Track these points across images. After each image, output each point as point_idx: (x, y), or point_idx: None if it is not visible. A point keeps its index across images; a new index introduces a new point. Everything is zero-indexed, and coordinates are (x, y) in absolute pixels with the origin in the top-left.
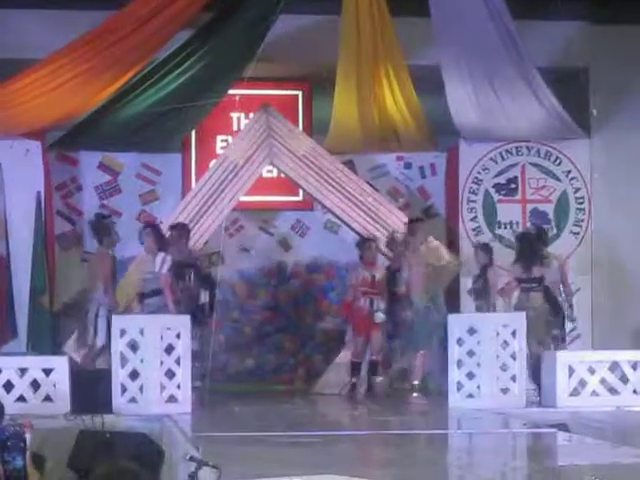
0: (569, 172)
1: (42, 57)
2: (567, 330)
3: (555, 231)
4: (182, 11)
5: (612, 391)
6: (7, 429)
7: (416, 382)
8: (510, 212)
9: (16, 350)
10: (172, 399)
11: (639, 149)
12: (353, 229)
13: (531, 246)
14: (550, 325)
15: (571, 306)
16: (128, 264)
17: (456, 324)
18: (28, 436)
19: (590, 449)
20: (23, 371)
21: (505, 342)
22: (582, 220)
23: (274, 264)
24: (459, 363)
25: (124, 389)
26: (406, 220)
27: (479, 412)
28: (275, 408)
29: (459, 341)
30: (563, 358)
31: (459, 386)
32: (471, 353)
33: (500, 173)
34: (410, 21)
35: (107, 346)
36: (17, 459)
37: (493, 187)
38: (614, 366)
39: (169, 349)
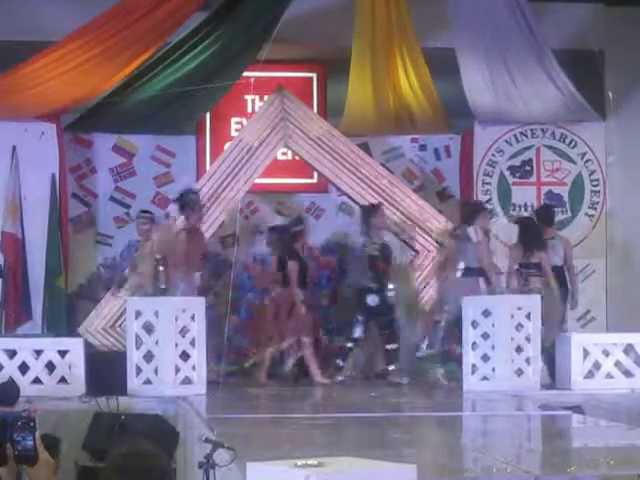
0: (584, 154)
1: (56, 40)
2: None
3: (570, 213)
4: None
5: (627, 373)
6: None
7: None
8: (525, 194)
9: (31, 332)
10: (187, 381)
11: None
12: None
13: (529, 231)
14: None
15: (575, 289)
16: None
17: (470, 306)
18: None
19: (605, 431)
20: (38, 353)
21: (520, 324)
22: (597, 202)
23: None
24: (474, 345)
25: (139, 371)
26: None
27: (494, 394)
28: (289, 390)
29: (474, 323)
30: (578, 340)
31: (474, 368)
32: (486, 335)
33: (515, 155)
34: (425, 3)
35: None
36: (27, 439)
37: (508, 169)
38: (629, 348)
39: (184, 331)
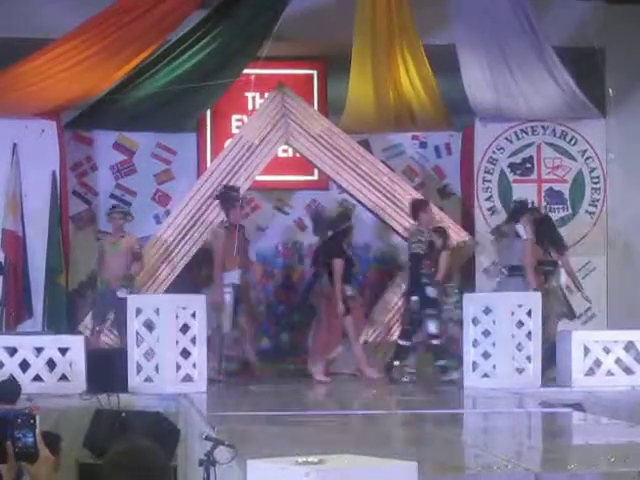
0: (585, 152)
1: (56, 37)
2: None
3: (570, 211)
4: None
5: (627, 371)
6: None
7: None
8: (525, 192)
9: (32, 329)
10: (187, 378)
11: None
12: (368, 209)
13: (547, 230)
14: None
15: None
16: (143, 244)
17: (471, 303)
18: (37, 418)
19: (605, 429)
20: (39, 350)
21: (520, 322)
22: (597, 200)
23: (289, 244)
24: (474, 343)
25: (140, 368)
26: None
27: (494, 392)
28: (290, 387)
29: (474, 320)
30: (578, 338)
31: (474, 366)
32: (486, 333)
33: (515, 153)
34: (426, 0)
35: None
36: (27, 436)
37: (508, 167)
38: (629, 346)
39: (184, 328)
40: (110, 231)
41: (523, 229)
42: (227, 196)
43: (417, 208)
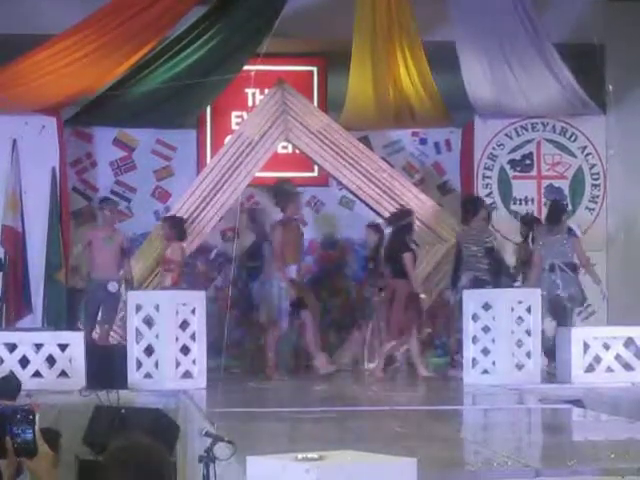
0: (584, 148)
1: (56, 33)
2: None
3: (570, 207)
4: None
5: (627, 367)
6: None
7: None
8: (525, 188)
9: (32, 326)
10: (187, 375)
11: None
12: (368, 205)
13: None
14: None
15: None
16: (142, 240)
17: (471, 300)
18: (37, 414)
19: (605, 425)
20: (39, 347)
21: (520, 318)
22: (597, 196)
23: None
24: (474, 339)
25: (139, 364)
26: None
27: (494, 388)
28: (290, 384)
29: (474, 317)
30: (578, 334)
31: (474, 362)
32: (486, 329)
33: (515, 149)
34: None
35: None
36: (26, 432)
37: (508, 163)
38: (629, 342)
39: (184, 325)
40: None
41: (577, 226)
42: (283, 190)
43: (480, 205)
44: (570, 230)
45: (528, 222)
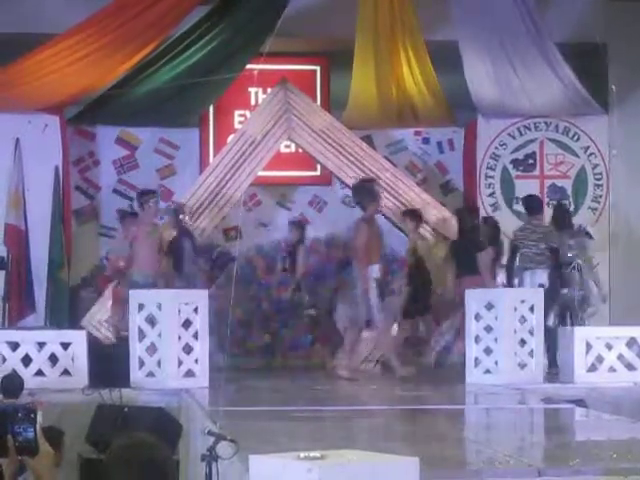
0: (587, 148)
1: (59, 32)
2: None
3: (573, 207)
4: None
5: (629, 367)
6: (16, 404)
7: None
8: (528, 188)
9: (34, 324)
10: (190, 373)
11: None
12: None
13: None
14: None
15: None
16: None
17: (474, 299)
18: (39, 413)
19: (607, 425)
20: (41, 345)
21: (523, 317)
22: (600, 196)
23: (292, 239)
24: (477, 338)
25: (142, 363)
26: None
27: (497, 387)
28: (292, 383)
29: (477, 316)
30: (580, 334)
31: (477, 362)
32: (489, 328)
33: (518, 149)
34: None
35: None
36: (28, 430)
37: (511, 163)
38: (631, 342)
39: (187, 324)
40: (112, 226)
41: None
42: (365, 189)
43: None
44: (587, 232)
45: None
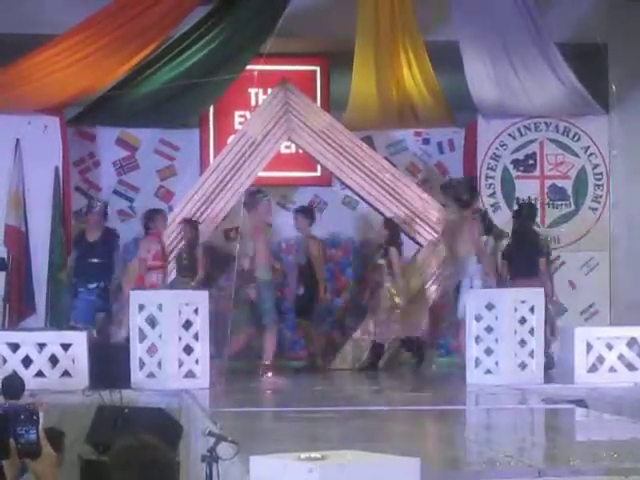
0: (587, 148)
1: (59, 33)
2: None
3: (573, 207)
4: None
5: (630, 367)
6: (18, 405)
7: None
8: (528, 188)
9: (35, 325)
10: (190, 374)
11: None
12: (371, 205)
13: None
14: None
15: None
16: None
17: (474, 300)
18: (41, 414)
19: (608, 425)
20: (42, 346)
21: (523, 318)
22: (600, 196)
23: (292, 240)
24: (477, 339)
25: (142, 364)
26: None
27: (497, 388)
28: (293, 384)
29: (477, 317)
30: (581, 334)
31: (477, 362)
32: (489, 329)
33: (518, 149)
34: None
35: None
36: (30, 432)
37: (511, 163)
38: (632, 342)
39: (187, 324)
40: (112, 227)
41: None
42: (452, 190)
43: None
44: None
45: None
